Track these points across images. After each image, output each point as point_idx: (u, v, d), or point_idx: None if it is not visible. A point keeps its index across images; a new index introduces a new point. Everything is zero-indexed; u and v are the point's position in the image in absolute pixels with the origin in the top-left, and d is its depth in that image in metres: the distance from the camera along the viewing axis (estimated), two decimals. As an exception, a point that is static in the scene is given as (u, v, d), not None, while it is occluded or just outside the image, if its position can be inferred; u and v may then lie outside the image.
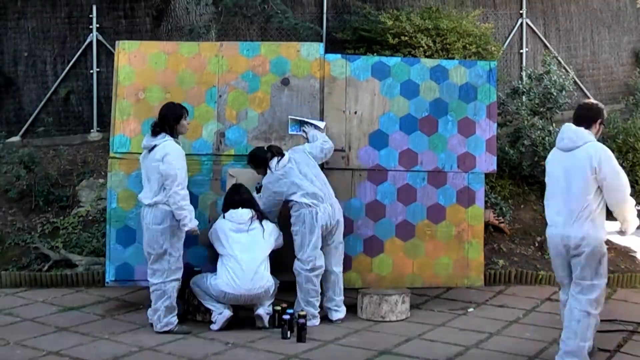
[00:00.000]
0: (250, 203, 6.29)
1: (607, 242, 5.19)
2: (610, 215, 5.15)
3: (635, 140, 8.19)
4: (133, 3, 10.00)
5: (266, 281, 6.13)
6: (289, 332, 5.95)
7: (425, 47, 8.85)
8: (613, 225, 5.24)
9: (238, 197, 6.30)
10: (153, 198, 5.96)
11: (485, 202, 7.29)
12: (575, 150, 5.10)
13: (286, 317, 6.00)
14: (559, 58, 10.89)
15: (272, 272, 6.22)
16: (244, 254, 6.09)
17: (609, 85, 11.75)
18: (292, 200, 6.28)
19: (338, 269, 6.44)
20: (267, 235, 6.22)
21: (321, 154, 6.50)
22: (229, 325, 6.20)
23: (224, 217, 6.25)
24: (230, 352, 5.68)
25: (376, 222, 6.78)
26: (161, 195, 5.95)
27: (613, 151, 8.03)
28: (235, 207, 6.24)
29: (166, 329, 6.04)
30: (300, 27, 8.59)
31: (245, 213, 6.21)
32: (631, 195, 5.10)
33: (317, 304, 6.36)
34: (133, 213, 6.52)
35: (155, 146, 5.99)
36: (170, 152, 5.93)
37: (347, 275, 6.71)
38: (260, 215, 6.26)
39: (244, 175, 6.56)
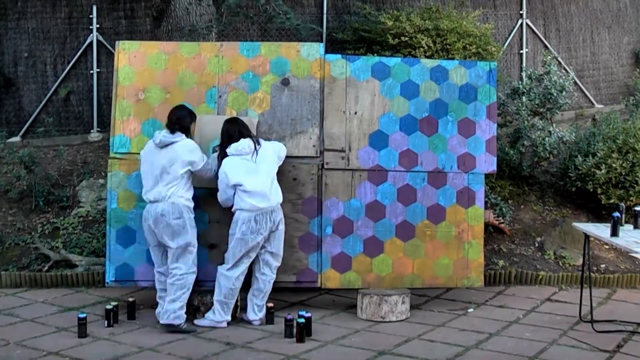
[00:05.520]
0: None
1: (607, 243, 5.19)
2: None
3: (635, 141, 8.18)
4: (133, 3, 10.01)
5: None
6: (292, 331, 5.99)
7: (426, 48, 8.85)
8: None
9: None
10: (168, 192, 6.15)
11: (485, 202, 7.30)
12: None
13: (289, 316, 6.03)
14: (559, 58, 10.91)
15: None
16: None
17: (609, 85, 11.76)
18: None
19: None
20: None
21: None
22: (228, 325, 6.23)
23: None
24: (230, 353, 5.69)
25: (376, 223, 6.78)
26: (175, 188, 6.15)
27: (613, 151, 8.17)
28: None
29: (175, 322, 6.08)
30: (302, 28, 8.59)
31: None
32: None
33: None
34: (133, 213, 6.53)
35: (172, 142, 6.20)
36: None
37: (347, 275, 6.72)
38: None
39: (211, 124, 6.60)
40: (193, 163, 6.19)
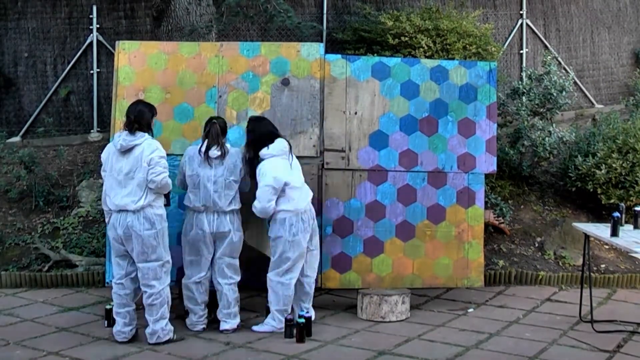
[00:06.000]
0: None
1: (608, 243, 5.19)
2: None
3: (635, 141, 8.18)
4: (133, 3, 10.00)
5: None
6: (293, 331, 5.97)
7: (426, 48, 8.85)
8: None
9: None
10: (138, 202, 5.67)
11: (485, 202, 7.30)
12: None
13: (289, 316, 6.03)
14: (559, 59, 10.91)
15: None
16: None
17: (609, 85, 11.76)
18: None
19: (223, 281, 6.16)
20: None
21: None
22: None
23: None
24: (230, 353, 5.69)
25: (376, 223, 6.78)
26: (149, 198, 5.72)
27: (613, 151, 8.17)
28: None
29: (166, 338, 5.87)
30: (302, 27, 8.58)
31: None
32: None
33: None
34: (133, 213, 6.51)
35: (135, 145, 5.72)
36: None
37: (347, 276, 6.72)
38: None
39: None
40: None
